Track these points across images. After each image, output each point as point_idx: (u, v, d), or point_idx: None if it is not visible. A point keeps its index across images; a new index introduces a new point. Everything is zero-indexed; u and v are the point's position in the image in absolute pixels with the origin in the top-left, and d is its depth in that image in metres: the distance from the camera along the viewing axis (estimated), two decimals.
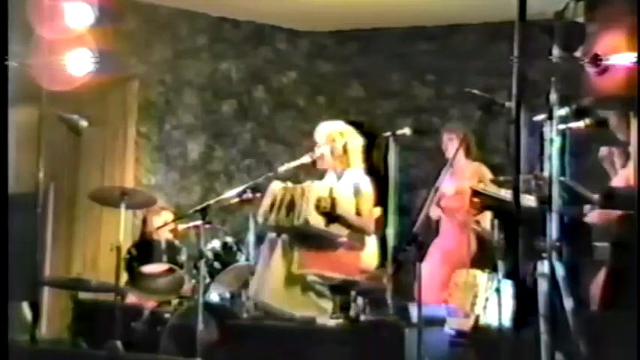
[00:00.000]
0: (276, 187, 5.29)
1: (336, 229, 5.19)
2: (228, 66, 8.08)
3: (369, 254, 5.34)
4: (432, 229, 6.19)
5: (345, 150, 5.40)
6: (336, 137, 5.40)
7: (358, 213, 5.25)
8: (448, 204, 6.11)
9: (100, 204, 6.16)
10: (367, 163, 5.54)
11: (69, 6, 5.48)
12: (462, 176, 6.08)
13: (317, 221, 5.12)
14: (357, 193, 5.26)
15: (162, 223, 6.25)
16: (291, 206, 5.17)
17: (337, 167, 5.43)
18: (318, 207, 5.12)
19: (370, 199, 5.30)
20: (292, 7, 7.59)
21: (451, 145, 6.23)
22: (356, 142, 5.46)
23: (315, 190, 5.19)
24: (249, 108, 8.16)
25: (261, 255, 5.32)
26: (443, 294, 5.63)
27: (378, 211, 5.46)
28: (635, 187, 4.00)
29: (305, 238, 5.15)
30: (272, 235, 5.27)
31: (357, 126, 5.69)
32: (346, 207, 5.21)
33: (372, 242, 5.35)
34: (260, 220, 5.32)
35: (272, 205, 5.22)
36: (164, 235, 6.39)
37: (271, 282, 5.07)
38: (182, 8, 7.80)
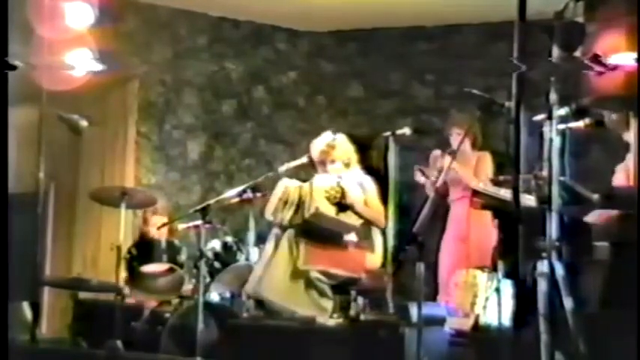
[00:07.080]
0: (288, 184, 5.31)
1: (347, 218, 5.22)
2: (228, 66, 8.08)
3: (375, 253, 5.35)
4: (439, 216, 6.18)
5: (340, 157, 5.45)
6: (328, 150, 5.44)
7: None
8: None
9: (100, 204, 6.16)
10: (363, 164, 5.59)
11: (69, 6, 5.50)
12: (468, 165, 6.10)
13: (328, 210, 5.18)
14: (363, 190, 5.33)
15: (163, 223, 6.26)
16: (300, 204, 5.21)
17: (337, 171, 5.46)
18: (328, 198, 5.20)
19: (376, 195, 5.37)
20: (292, 7, 7.59)
21: (458, 139, 6.25)
22: (346, 147, 5.51)
23: (322, 181, 5.26)
24: (249, 108, 8.16)
25: (264, 250, 5.32)
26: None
27: None
28: (635, 186, 4.00)
29: (311, 233, 5.15)
30: (277, 231, 5.27)
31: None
32: (356, 197, 5.27)
33: (377, 242, 5.37)
34: (269, 216, 5.31)
35: (285, 203, 5.24)
36: (164, 235, 6.40)
37: (275, 277, 5.07)
38: (182, 8, 7.80)
